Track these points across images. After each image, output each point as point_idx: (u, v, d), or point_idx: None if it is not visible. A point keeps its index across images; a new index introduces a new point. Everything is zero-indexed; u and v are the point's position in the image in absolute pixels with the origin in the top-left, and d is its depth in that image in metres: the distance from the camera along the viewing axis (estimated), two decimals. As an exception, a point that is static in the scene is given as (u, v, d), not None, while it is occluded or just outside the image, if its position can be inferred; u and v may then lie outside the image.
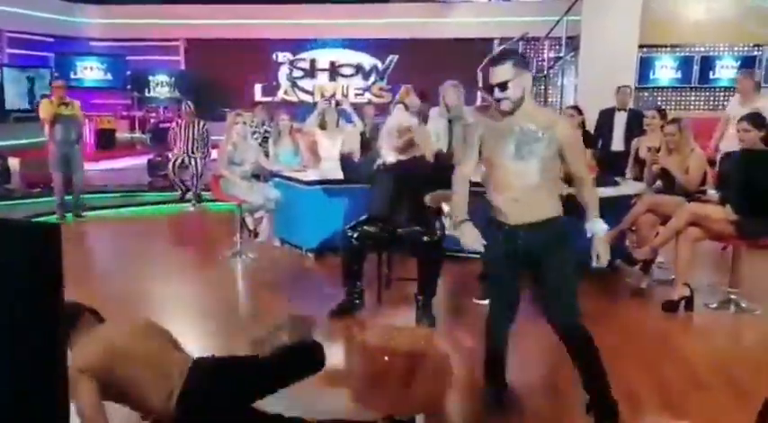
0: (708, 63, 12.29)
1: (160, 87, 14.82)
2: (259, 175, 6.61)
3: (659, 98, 12.43)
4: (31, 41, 13.85)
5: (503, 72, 2.77)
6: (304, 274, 5.61)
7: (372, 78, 15.33)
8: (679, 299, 4.58)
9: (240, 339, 3.97)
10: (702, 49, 12.35)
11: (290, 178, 6.18)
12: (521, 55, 3.24)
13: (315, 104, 7.10)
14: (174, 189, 8.75)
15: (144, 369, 2.55)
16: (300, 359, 2.79)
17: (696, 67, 12.38)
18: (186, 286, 5.28)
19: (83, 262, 5.85)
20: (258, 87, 14.97)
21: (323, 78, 15.43)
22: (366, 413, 2.85)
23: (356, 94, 14.86)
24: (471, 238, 3.00)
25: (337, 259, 4.72)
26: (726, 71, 12.23)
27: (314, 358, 2.78)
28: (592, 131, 7.01)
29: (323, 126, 6.72)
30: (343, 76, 15.38)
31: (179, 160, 8.52)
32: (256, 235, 6.47)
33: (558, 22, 9.87)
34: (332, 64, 15.34)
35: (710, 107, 12.11)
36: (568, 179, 3.05)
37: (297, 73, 15.41)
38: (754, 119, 4.66)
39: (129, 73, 14.84)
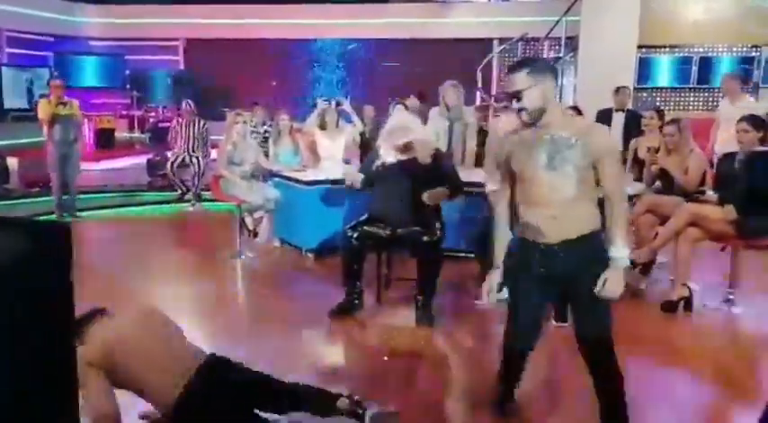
0: (707, 63, 12.31)
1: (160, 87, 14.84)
2: (259, 175, 6.62)
3: (658, 98, 12.43)
4: (30, 41, 13.84)
5: (516, 81, 2.63)
6: (303, 274, 5.61)
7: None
8: (678, 299, 4.59)
9: (240, 338, 4.00)
10: (701, 49, 12.36)
11: (289, 178, 6.18)
12: (542, 61, 2.96)
13: (315, 104, 7.09)
14: (173, 189, 8.74)
15: (149, 358, 2.59)
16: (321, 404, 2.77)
17: (695, 68, 12.39)
18: (185, 286, 5.28)
19: (81, 261, 5.84)
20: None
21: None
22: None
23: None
24: (492, 286, 2.90)
25: (336, 259, 4.73)
26: (723, 72, 12.25)
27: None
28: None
29: (323, 126, 6.73)
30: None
31: (179, 159, 8.50)
32: (256, 235, 6.48)
33: (557, 22, 9.89)
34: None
35: (709, 108, 12.09)
36: None
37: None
38: (754, 120, 4.68)
39: (128, 72, 14.84)
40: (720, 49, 12.40)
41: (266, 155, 6.78)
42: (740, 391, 3.41)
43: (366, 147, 7.04)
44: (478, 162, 6.02)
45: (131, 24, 14.39)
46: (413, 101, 8.02)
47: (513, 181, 2.79)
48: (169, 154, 8.84)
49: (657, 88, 12.70)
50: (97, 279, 4.89)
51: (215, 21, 14.28)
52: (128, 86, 14.75)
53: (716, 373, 3.67)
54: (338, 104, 7.08)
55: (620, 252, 2.61)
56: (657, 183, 5.31)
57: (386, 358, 3.81)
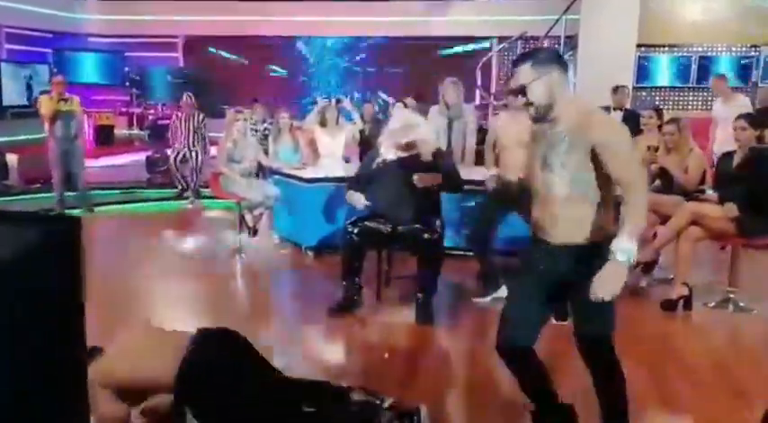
0: (706, 63, 12.32)
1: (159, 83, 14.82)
2: (258, 173, 6.62)
3: (657, 98, 12.44)
4: (29, 37, 13.80)
5: (520, 75, 2.49)
6: (303, 271, 5.62)
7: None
8: (678, 298, 4.60)
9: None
10: (700, 49, 12.38)
11: (289, 176, 6.18)
12: (548, 51, 2.72)
13: (315, 102, 7.09)
14: (173, 186, 8.73)
15: (151, 379, 2.58)
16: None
17: (694, 67, 12.41)
18: (184, 284, 5.28)
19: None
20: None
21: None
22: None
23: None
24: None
25: (336, 257, 4.73)
26: (723, 71, 12.25)
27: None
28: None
29: (323, 123, 6.73)
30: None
31: (180, 154, 8.48)
32: (255, 232, 6.48)
33: (556, 21, 9.88)
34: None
35: (708, 107, 12.06)
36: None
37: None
38: (752, 118, 4.70)
39: (127, 69, 14.81)
40: (719, 49, 12.42)
41: (266, 152, 6.78)
42: (739, 390, 3.42)
43: (366, 144, 7.05)
44: (479, 160, 6.03)
45: (131, 21, 14.35)
46: (410, 101, 8.03)
47: None
48: (169, 151, 8.82)
49: (656, 88, 12.71)
50: (96, 277, 4.88)
51: (214, 18, 14.24)
52: (127, 83, 14.74)
53: (715, 371, 3.68)
54: (338, 102, 7.08)
55: (622, 245, 2.34)
56: (657, 182, 5.32)
57: (386, 356, 3.82)
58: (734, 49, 12.34)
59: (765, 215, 4.42)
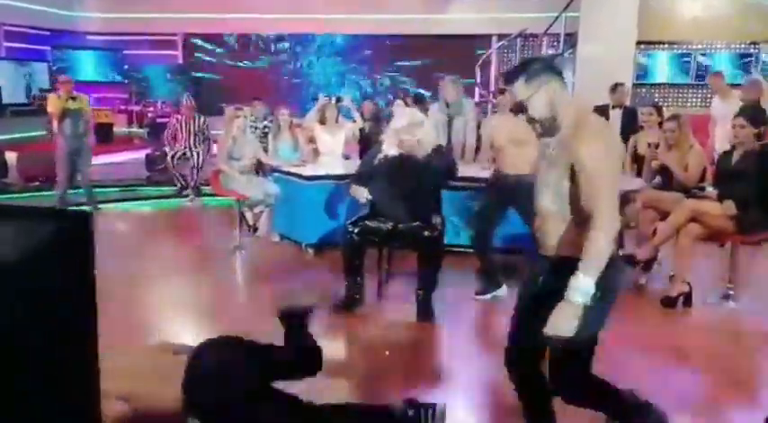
0: (705, 60, 12.33)
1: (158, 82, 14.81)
2: (258, 171, 6.62)
3: (656, 95, 12.44)
4: (27, 35, 13.79)
5: (516, 91, 2.40)
6: (303, 269, 5.61)
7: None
8: (677, 295, 4.61)
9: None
10: (700, 46, 12.38)
11: (289, 173, 6.18)
12: (539, 62, 2.47)
13: (315, 99, 7.09)
14: (172, 184, 8.72)
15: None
16: (298, 358, 2.78)
17: (693, 64, 12.41)
18: (185, 281, 5.28)
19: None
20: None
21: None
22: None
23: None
24: None
25: (336, 254, 4.73)
26: (723, 68, 12.26)
27: (310, 362, 2.77)
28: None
29: (323, 121, 6.73)
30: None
31: (179, 153, 8.46)
32: (255, 230, 6.48)
33: (556, 18, 9.87)
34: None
35: (707, 104, 12.08)
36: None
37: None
38: (751, 115, 4.70)
39: (126, 67, 14.80)
40: (719, 46, 12.42)
41: (266, 150, 6.78)
42: (740, 387, 3.43)
43: (366, 142, 7.05)
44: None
45: (130, 19, 14.33)
46: (410, 102, 8.03)
47: None
48: (167, 149, 8.79)
49: (656, 85, 12.72)
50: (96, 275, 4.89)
51: (213, 15, 14.22)
52: (126, 81, 14.72)
53: (715, 368, 3.69)
54: (339, 100, 7.08)
55: (578, 284, 2.18)
56: (657, 178, 5.32)
57: (387, 353, 3.82)
58: (733, 45, 12.34)
59: (764, 212, 4.43)
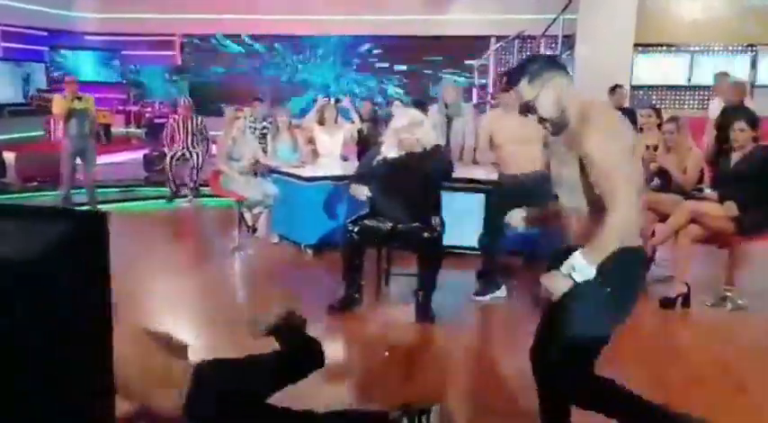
0: (703, 62, 12.36)
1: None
2: (256, 172, 6.62)
3: (654, 97, 12.47)
4: (25, 35, 13.78)
5: (521, 92, 2.37)
6: (302, 269, 5.62)
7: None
8: (676, 296, 4.62)
9: (238, 334, 4.00)
10: (698, 48, 12.42)
11: (288, 174, 6.19)
12: (541, 60, 2.47)
13: (315, 100, 7.10)
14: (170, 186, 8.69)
15: (143, 375, 2.56)
16: (300, 356, 2.80)
17: (691, 66, 12.44)
18: (184, 282, 5.28)
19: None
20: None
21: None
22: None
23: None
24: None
25: (335, 255, 4.74)
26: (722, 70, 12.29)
27: (313, 355, 2.78)
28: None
29: (321, 122, 6.74)
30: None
31: (177, 154, 8.43)
32: (255, 230, 6.48)
33: (554, 20, 9.90)
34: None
35: (705, 106, 12.14)
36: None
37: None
38: (751, 119, 4.72)
39: (124, 67, 14.80)
40: (716, 48, 12.46)
41: (265, 151, 6.78)
42: (737, 388, 3.44)
43: (364, 143, 7.06)
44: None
45: (127, 19, 14.33)
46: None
47: None
48: (166, 150, 8.77)
49: (653, 87, 12.75)
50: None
51: (211, 16, 14.23)
52: (124, 81, 14.72)
53: (713, 369, 3.70)
54: (337, 101, 7.09)
55: (579, 262, 2.21)
56: (656, 181, 5.34)
57: (386, 354, 3.83)
58: (731, 48, 12.38)
59: (764, 213, 4.45)
